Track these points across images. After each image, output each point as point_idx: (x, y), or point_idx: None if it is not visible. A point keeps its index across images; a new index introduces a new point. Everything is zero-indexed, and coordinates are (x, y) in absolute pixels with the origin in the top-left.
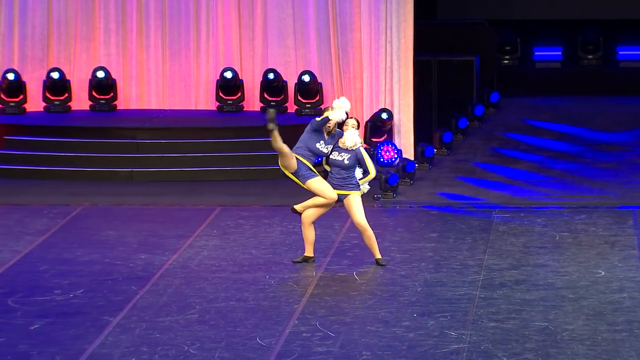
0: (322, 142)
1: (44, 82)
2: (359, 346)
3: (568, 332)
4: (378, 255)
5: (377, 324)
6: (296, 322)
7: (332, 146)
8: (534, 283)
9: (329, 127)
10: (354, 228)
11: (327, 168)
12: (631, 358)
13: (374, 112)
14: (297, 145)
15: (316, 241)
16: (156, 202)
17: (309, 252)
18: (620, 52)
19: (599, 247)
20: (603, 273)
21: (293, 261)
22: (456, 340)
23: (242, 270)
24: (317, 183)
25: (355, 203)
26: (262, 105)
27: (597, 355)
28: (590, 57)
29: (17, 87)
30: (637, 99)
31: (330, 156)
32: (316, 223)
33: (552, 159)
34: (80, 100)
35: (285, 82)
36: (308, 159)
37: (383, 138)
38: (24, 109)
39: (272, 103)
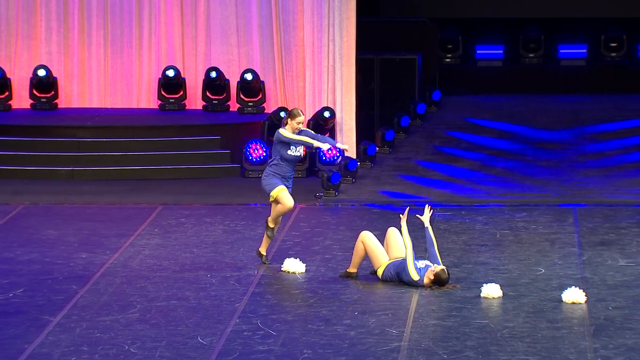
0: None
1: None
2: (300, 344)
3: (508, 329)
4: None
5: (318, 323)
6: (237, 320)
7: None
8: (474, 281)
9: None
10: (296, 227)
11: None
12: (571, 355)
13: (317, 110)
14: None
15: (256, 240)
16: (97, 201)
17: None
18: (562, 51)
19: (539, 245)
20: (543, 271)
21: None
22: (397, 338)
23: (184, 269)
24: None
25: None
26: (204, 103)
27: (536, 352)
28: (531, 55)
29: None
30: (578, 97)
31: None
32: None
33: (493, 157)
34: (21, 99)
35: (228, 80)
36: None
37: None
38: None
39: (214, 101)
